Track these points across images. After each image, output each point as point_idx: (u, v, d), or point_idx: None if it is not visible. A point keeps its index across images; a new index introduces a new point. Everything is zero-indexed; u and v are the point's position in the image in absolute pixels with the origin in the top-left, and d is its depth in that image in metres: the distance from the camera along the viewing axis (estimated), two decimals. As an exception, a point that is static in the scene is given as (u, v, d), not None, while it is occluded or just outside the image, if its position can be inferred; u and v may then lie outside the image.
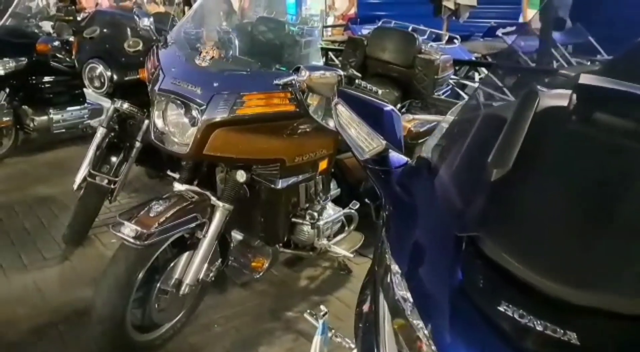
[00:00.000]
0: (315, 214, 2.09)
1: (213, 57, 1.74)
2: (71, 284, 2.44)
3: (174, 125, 1.75)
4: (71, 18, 3.06)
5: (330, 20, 8.03)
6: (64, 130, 4.25)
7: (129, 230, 1.63)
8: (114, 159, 2.67)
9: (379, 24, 4.68)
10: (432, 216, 0.81)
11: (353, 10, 7.73)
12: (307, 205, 2.14)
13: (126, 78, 2.59)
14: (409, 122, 2.60)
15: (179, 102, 1.71)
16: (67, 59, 4.26)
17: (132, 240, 1.61)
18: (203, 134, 1.67)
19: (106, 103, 4.38)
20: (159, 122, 1.77)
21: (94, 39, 2.63)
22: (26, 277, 2.50)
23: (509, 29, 5.13)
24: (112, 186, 2.61)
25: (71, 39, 4.26)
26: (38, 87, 4.11)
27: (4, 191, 3.59)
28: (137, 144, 2.74)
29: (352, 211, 2.31)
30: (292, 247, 2.26)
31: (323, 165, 2.07)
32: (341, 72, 1.64)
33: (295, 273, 2.51)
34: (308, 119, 1.82)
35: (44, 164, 4.15)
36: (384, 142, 0.92)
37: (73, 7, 3.69)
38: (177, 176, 2.65)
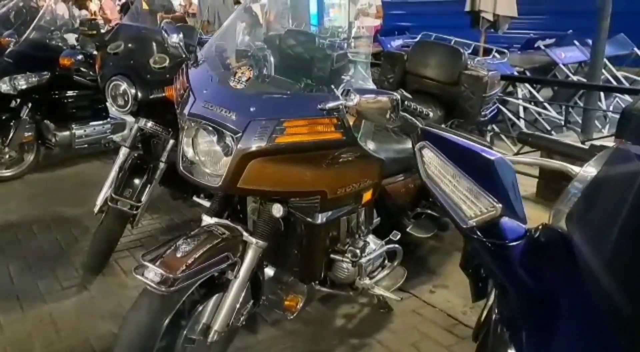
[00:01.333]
0: (358, 251, 1.87)
1: (249, 78, 1.55)
2: (89, 318, 2.26)
3: (205, 155, 1.56)
4: (95, 32, 2.93)
5: (352, 32, 7.83)
6: (86, 145, 4.14)
7: (153, 274, 1.44)
8: (137, 181, 2.49)
9: (418, 37, 4.46)
10: (588, 319, 0.59)
11: (379, 22, 7.51)
12: (348, 240, 1.93)
13: (151, 96, 2.42)
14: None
15: (211, 128, 1.52)
16: (91, 73, 4.16)
17: (156, 286, 1.42)
18: (238, 165, 1.48)
19: (129, 118, 4.29)
20: (189, 151, 1.58)
21: (118, 54, 2.48)
22: (42, 308, 2.33)
23: (548, 41, 4.88)
24: (134, 212, 2.43)
25: (95, 52, 4.16)
26: (60, 102, 4.01)
27: (23, 209, 3.47)
28: (162, 165, 2.57)
29: (397, 245, 2.08)
30: (328, 285, 2.04)
31: (367, 196, 1.85)
32: (397, 96, 1.42)
33: (330, 311, 2.29)
34: (353, 146, 1.61)
35: (65, 180, 4.04)
36: (499, 205, 0.69)
37: (97, 20, 3.57)
38: (203, 201, 2.47)
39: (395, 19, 8.27)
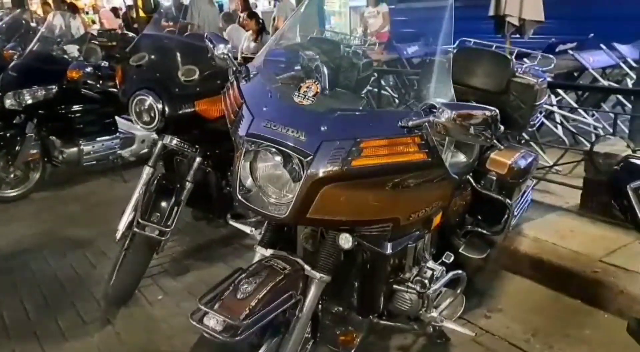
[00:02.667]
0: (426, 281, 1.69)
1: (317, 92, 1.36)
2: (116, 358, 2.05)
3: (267, 180, 1.37)
4: (115, 43, 2.73)
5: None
6: (94, 162, 3.92)
7: (214, 322, 1.24)
8: (164, 204, 2.28)
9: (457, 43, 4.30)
10: None
11: (387, 29, 7.37)
12: (413, 269, 1.74)
13: (180, 112, 2.22)
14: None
15: (274, 150, 1.33)
16: (98, 86, 3.96)
17: (219, 336, 1.23)
18: (308, 192, 1.29)
19: (139, 132, 4.08)
20: (247, 177, 1.38)
21: (142, 66, 2.28)
22: (64, 347, 2.11)
23: (569, 45, 4.74)
24: (162, 238, 2.23)
25: (102, 63, 3.97)
26: (68, 117, 3.79)
27: (32, 231, 3.25)
28: (188, 185, 2.38)
29: (460, 271, 1.89)
30: (385, 317, 1.85)
31: (437, 220, 1.67)
32: (495, 111, 1.24)
33: (382, 341, 2.10)
34: (437, 168, 1.42)
35: (73, 199, 3.82)
36: None
37: (117, 31, 3.38)
38: (241, 225, 2.26)
39: (400, 25, 8.12)
